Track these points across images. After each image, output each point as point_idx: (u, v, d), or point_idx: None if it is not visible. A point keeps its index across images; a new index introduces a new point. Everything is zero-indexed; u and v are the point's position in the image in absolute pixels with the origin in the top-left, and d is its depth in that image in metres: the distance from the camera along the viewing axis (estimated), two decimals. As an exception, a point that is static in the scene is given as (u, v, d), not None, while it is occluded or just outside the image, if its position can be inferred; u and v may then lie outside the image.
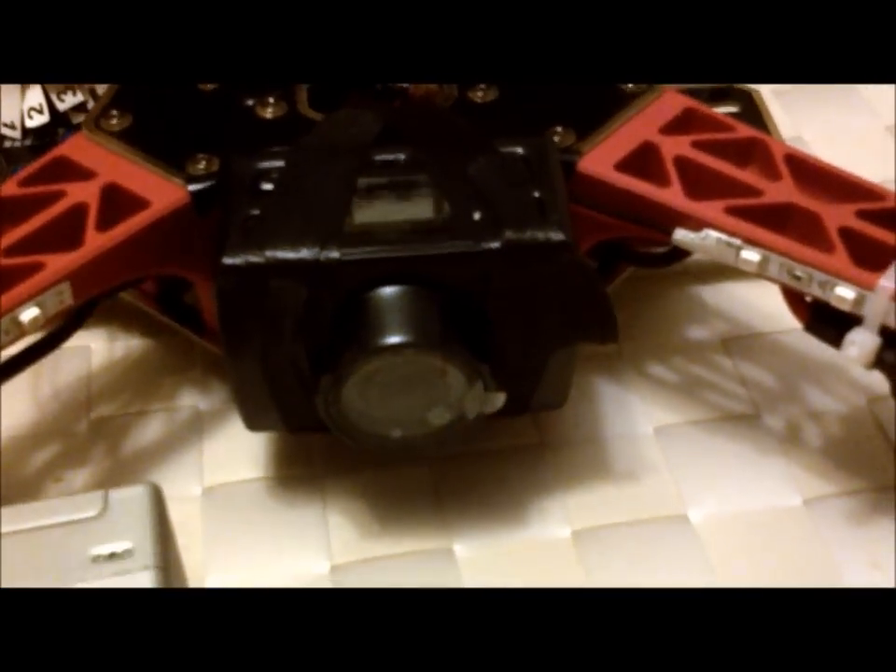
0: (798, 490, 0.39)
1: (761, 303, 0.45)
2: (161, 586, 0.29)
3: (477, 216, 0.34)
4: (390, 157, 0.35)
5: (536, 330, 0.35)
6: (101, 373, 0.44)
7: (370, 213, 0.34)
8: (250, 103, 0.39)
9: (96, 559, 0.30)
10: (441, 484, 0.40)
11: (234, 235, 0.34)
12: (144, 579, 0.29)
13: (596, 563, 0.38)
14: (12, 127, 0.45)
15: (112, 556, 0.30)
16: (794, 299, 0.36)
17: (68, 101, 0.45)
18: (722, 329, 0.44)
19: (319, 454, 0.41)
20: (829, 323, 0.35)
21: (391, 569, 0.37)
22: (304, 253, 0.33)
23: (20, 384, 0.43)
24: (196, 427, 0.42)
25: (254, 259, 0.33)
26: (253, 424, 0.38)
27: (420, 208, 0.34)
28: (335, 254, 0.33)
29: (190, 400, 0.42)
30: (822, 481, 0.40)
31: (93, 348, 0.44)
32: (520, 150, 0.36)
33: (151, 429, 0.41)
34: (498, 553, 0.38)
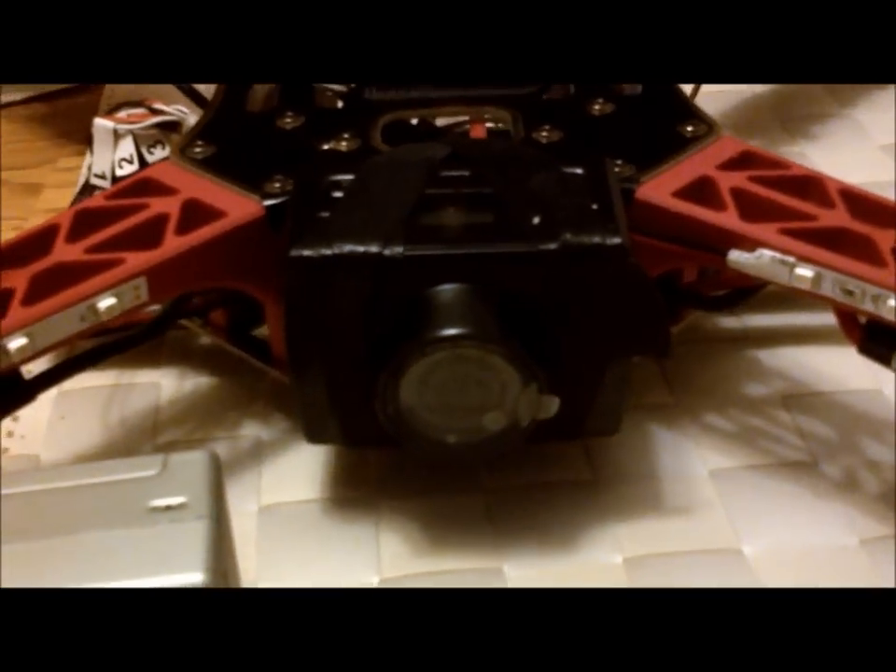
0: (855, 530, 0.39)
1: (820, 366, 0.45)
2: (213, 537, 0.30)
3: (536, 220, 0.35)
4: (456, 173, 0.37)
5: (590, 337, 0.36)
6: (169, 406, 0.45)
7: (434, 217, 0.36)
8: (326, 140, 0.41)
9: (154, 510, 0.30)
10: (494, 511, 0.40)
11: (303, 233, 0.35)
12: (198, 527, 0.30)
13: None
14: (103, 177, 0.48)
15: (168, 508, 0.30)
16: (847, 320, 0.37)
17: (157, 154, 0.48)
18: (781, 387, 0.45)
19: (375, 477, 0.41)
20: (882, 342, 0.36)
21: (439, 584, 0.37)
22: (370, 248, 0.35)
23: (88, 411, 0.44)
24: (257, 454, 0.42)
25: (321, 251, 0.35)
26: (313, 435, 0.38)
27: (483, 215, 0.36)
28: (399, 249, 0.35)
29: (253, 431, 0.43)
30: (879, 523, 0.39)
31: (164, 385, 0.46)
32: (580, 171, 0.37)
33: (213, 453, 0.42)
34: (548, 575, 0.38)
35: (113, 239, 0.37)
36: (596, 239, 0.35)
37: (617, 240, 0.35)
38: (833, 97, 0.63)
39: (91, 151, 0.48)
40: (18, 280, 0.36)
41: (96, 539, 0.30)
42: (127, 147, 0.47)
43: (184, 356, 0.47)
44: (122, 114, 0.48)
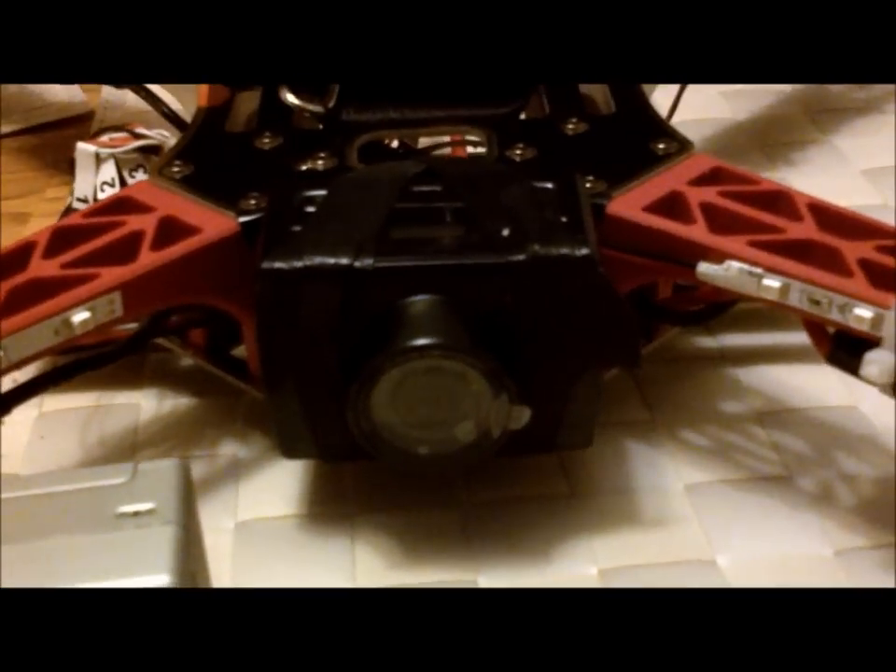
0: (829, 542, 0.39)
1: (796, 383, 0.46)
2: (180, 541, 0.30)
3: (506, 232, 0.36)
4: (427, 189, 0.38)
5: (560, 348, 0.36)
6: (147, 426, 0.45)
7: (405, 231, 0.36)
8: (303, 160, 0.42)
9: (121, 516, 0.31)
10: (469, 525, 0.40)
11: (274, 246, 0.36)
12: (165, 531, 0.30)
13: (622, 601, 0.37)
14: (85, 200, 0.48)
15: (136, 514, 0.31)
16: (816, 330, 0.37)
17: (139, 177, 0.48)
18: (757, 404, 0.45)
19: (351, 493, 0.41)
20: (849, 351, 0.36)
21: (415, 597, 0.37)
22: (340, 259, 0.35)
23: (68, 431, 0.44)
24: (234, 472, 0.43)
25: (292, 263, 0.35)
26: (289, 450, 0.39)
27: (453, 228, 0.36)
28: (370, 261, 0.35)
29: (230, 450, 0.44)
30: (854, 534, 0.39)
31: (143, 405, 0.46)
32: (550, 185, 0.38)
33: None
34: (523, 587, 0.38)
35: (88, 255, 0.38)
36: (565, 250, 0.35)
37: (585, 251, 0.35)
38: (813, 124, 0.64)
39: (74, 176, 0.48)
40: (-7, 295, 0.36)
41: (63, 543, 0.30)
42: (109, 170, 0.48)
43: (164, 378, 0.47)
44: (105, 138, 0.48)
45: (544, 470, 0.42)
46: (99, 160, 0.48)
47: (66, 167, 0.63)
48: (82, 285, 0.36)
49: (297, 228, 0.36)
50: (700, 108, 0.63)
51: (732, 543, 0.39)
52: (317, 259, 0.35)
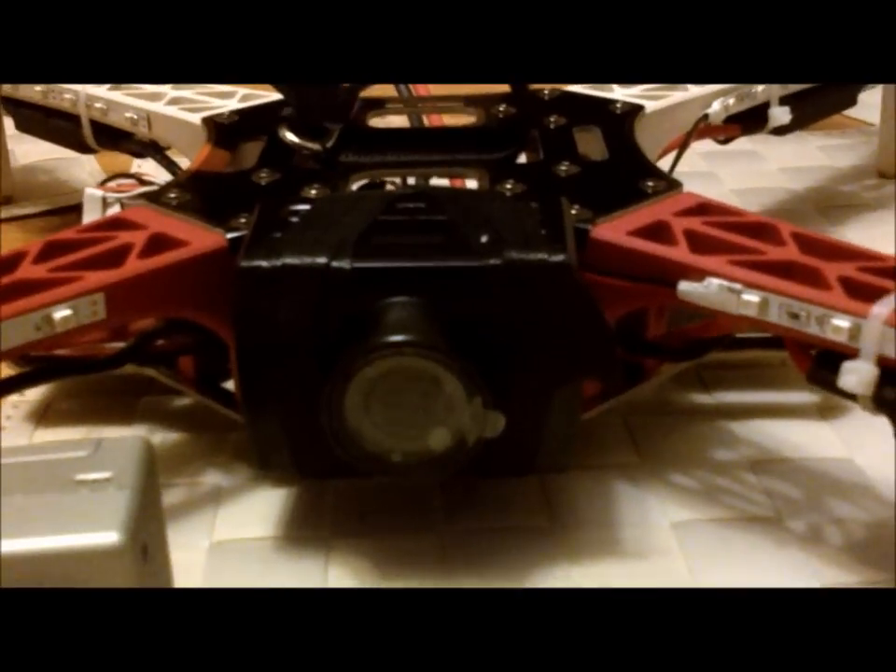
0: (816, 578, 0.38)
1: (790, 436, 0.45)
2: (133, 506, 0.30)
3: (484, 239, 0.36)
4: (412, 205, 0.38)
5: (537, 357, 0.36)
6: (134, 458, 0.45)
7: (386, 238, 0.37)
8: (298, 191, 0.42)
9: (79, 483, 0.30)
10: (446, 552, 0.39)
11: (254, 247, 0.36)
12: (119, 496, 0.30)
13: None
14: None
15: (94, 482, 0.30)
16: (797, 350, 0.37)
17: (143, 221, 0.49)
18: (749, 453, 0.44)
19: (329, 518, 0.41)
20: (829, 368, 0.35)
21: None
22: (317, 259, 0.35)
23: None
24: (215, 498, 0.42)
25: (269, 263, 0.35)
26: (265, 462, 0.38)
27: (434, 237, 0.37)
28: (346, 262, 0.35)
29: (213, 479, 0.43)
30: (842, 571, 0.38)
31: (132, 440, 0.46)
32: (534, 205, 0.38)
33: (171, 496, 0.42)
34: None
35: (76, 262, 0.38)
36: (541, 255, 0.35)
37: (561, 257, 0.35)
38: (824, 218, 0.64)
39: (81, 220, 0.49)
40: (-22, 293, 0.37)
41: (13, 503, 0.29)
42: (115, 216, 0.49)
43: (155, 416, 0.47)
44: (113, 184, 0.49)
45: (526, 503, 0.41)
46: (105, 204, 0.49)
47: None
48: (66, 285, 0.37)
49: (278, 234, 0.37)
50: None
51: (715, 576, 0.38)
52: (294, 260, 0.35)
